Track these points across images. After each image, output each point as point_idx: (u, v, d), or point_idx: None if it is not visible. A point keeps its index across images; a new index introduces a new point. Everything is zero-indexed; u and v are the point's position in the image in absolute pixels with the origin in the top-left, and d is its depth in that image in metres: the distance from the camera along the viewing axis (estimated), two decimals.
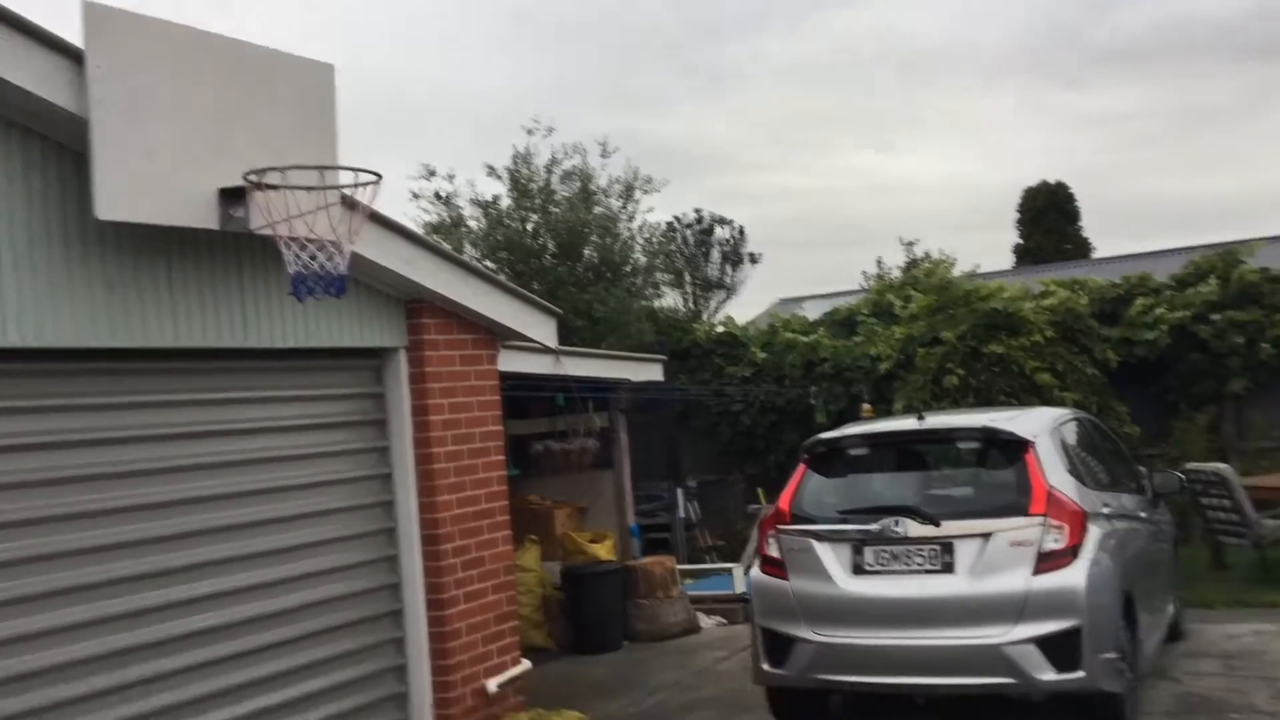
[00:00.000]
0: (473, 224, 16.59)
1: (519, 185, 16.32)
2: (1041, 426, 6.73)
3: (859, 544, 6.40)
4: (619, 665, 9.10)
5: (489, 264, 15.39)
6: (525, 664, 7.02)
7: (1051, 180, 29.83)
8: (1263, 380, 12.70)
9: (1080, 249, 28.40)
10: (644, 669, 8.86)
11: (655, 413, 13.90)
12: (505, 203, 16.43)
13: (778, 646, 6.55)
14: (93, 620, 4.82)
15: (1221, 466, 10.07)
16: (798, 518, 6.71)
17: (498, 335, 7.09)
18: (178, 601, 5.15)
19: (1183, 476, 8.42)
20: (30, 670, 4.59)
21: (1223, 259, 13.42)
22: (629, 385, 10.68)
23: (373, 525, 6.25)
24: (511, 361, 7.77)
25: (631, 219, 16.58)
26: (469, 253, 15.46)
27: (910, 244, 22.30)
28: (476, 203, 16.48)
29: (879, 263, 22.07)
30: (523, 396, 8.98)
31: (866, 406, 13.29)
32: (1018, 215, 30.09)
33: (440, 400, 6.48)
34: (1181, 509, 11.26)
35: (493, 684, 6.59)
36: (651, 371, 10.82)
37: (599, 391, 10.42)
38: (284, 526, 5.71)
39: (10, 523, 4.61)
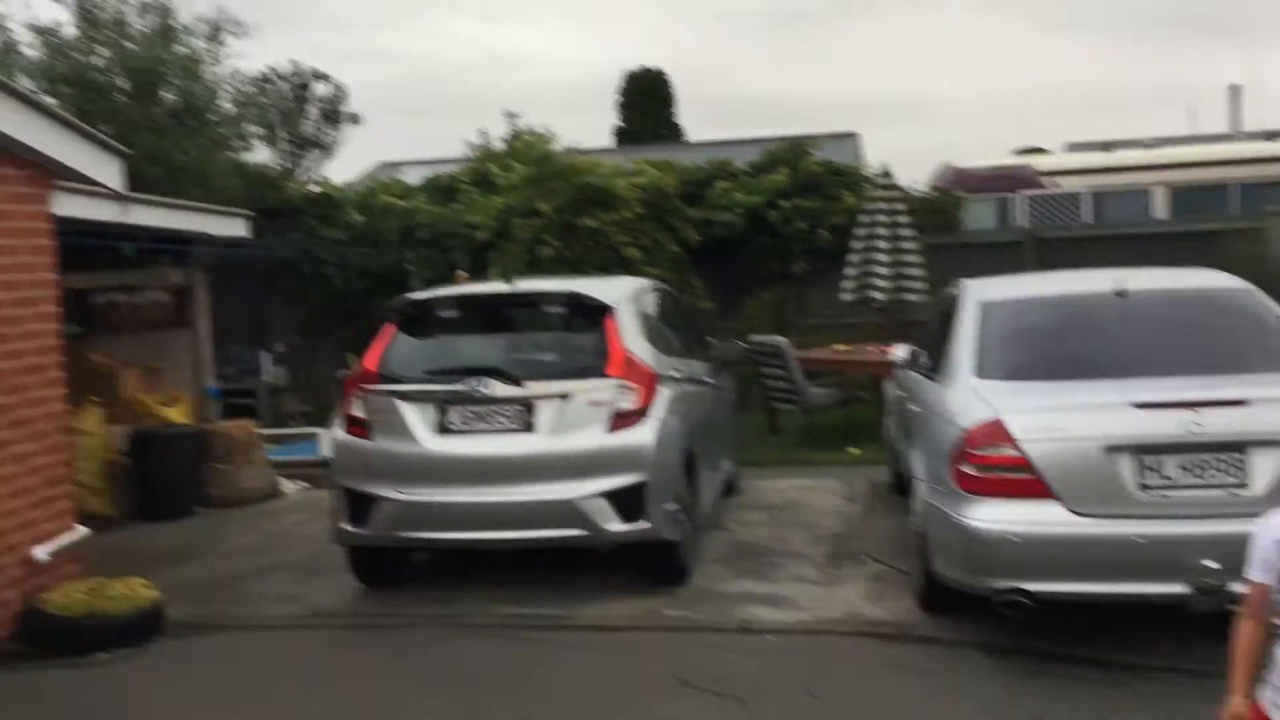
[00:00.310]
0: (29, 52, 14.69)
1: (86, 14, 14.60)
2: (623, 295, 7.04)
3: (444, 404, 6.46)
4: (192, 531, 8.71)
5: (50, 99, 13.73)
6: (82, 531, 6.54)
7: (651, 66, 30.79)
8: (820, 264, 13.97)
9: (674, 133, 29.65)
10: (219, 534, 8.54)
11: (240, 272, 13.16)
12: (70, 32, 14.66)
13: (360, 506, 6.51)
14: None
15: (779, 339, 11.02)
16: (383, 378, 6.66)
17: (53, 174, 6.36)
18: None
19: (745, 346, 9.16)
20: None
21: (792, 150, 14.52)
22: (210, 240, 10.02)
23: None
24: (71, 206, 7.04)
25: (218, 63, 15.35)
26: (24, 84, 13.69)
27: (514, 117, 22.27)
28: (34, 29, 14.59)
29: (482, 133, 21.88)
30: (85, 246, 8.18)
31: (461, 273, 13.31)
32: (619, 98, 30.87)
33: None
34: (745, 379, 12.28)
35: (42, 552, 6.08)
36: (235, 227, 10.21)
37: (176, 245, 9.69)
38: None
39: None
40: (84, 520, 6.75)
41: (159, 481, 9.13)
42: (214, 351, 10.64)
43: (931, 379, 6.39)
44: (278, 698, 5.27)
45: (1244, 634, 3.01)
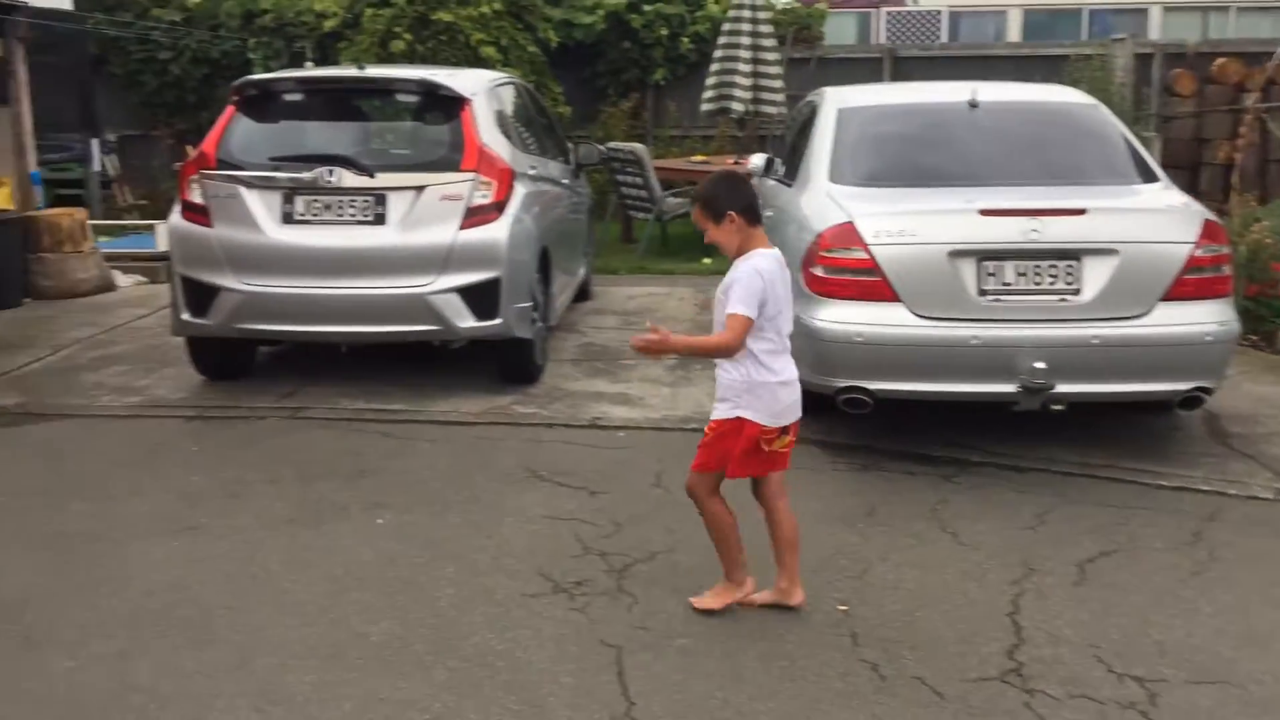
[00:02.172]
0: None
1: None
2: (480, 86, 6.80)
3: (290, 192, 6.21)
4: (18, 322, 8.30)
5: None
6: None
7: None
8: (680, 73, 13.77)
9: None
10: (48, 326, 8.17)
11: (65, 53, 12.23)
12: None
13: (200, 296, 6.30)
14: None
15: (636, 146, 10.91)
16: (224, 163, 6.35)
17: None
18: None
19: (603, 149, 9.03)
20: None
21: None
22: (29, 11, 9.23)
23: None
24: None
25: None
26: None
27: None
28: None
29: None
30: None
31: (310, 65, 12.68)
32: None
33: None
34: (601, 188, 12.18)
35: None
36: None
37: None
38: None
39: None
40: None
41: None
42: (38, 136, 9.92)
43: (787, 185, 6.42)
44: (117, 480, 5.16)
45: (714, 347, 3.72)
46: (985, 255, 5.11)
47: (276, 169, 6.27)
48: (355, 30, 13.13)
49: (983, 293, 5.12)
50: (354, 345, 6.84)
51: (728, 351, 3.69)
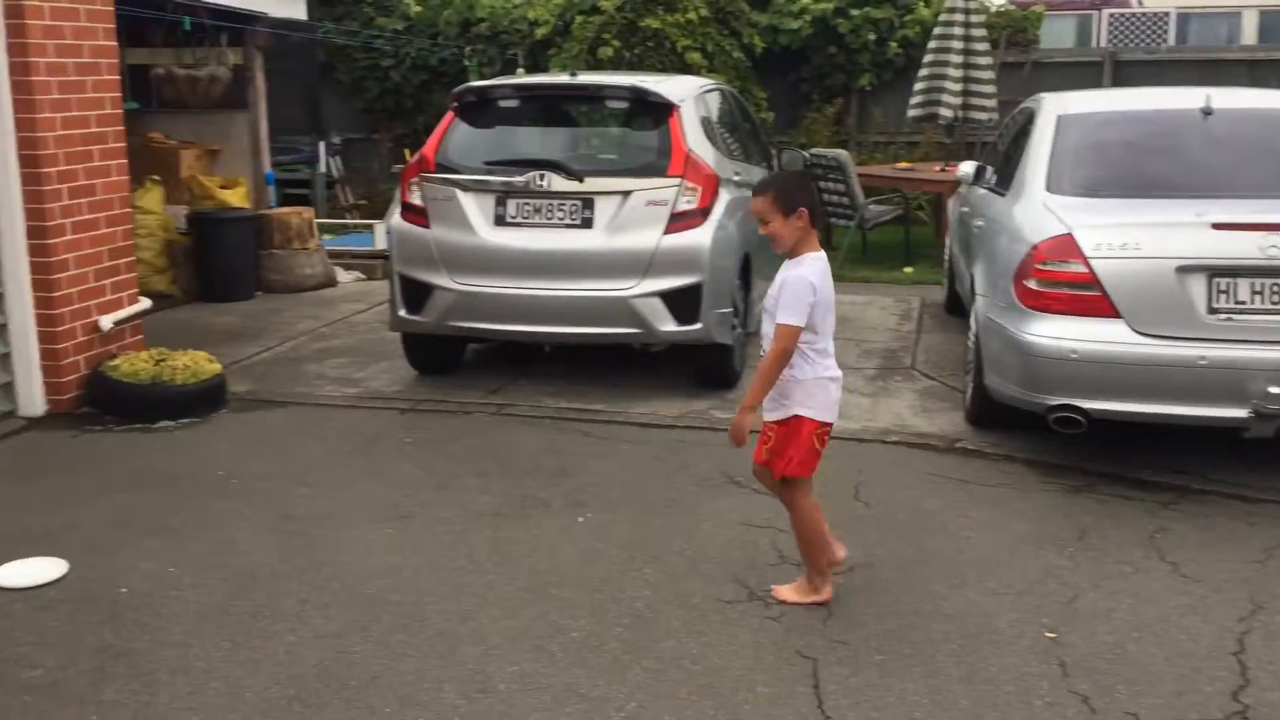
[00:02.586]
0: None
1: None
2: (687, 92, 6.86)
3: (502, 195, 6.41)
4: (250, 314, 8.85)
5: None
6: (144, 302, 6.66)
7: None
8: (887, 78, 13.54)
9: None
10: (277, 318, 8.68)
11: (297, 60, 12.99)
12: None
13: (416, 294, 6.57)
14: None
15: (840, 152, 10.78)
16: (442, 166, 6.60)
17: None
18: None
19: (807, 155, 8.97)
20: None
21: None
22: (268, 21, 9.83)
23: None
24: None
25: None
26: None
27: None
28: None
29: None
30: (140, 18, 8.07)
31: (521, 71, 13.07)
32: None
33: (39, 3, 5.67)
34: None
35: (107, 320, 6.21)
36: (293, 8, 9.98)
37: (232, 22, 9.52)
38: None
39: None
40: (148, 298, 6.86)
41: (219, 264, 9.24)
42: (271, 139, 10.57)
43: (999, 194, 6.23)
44: (337, 468, 5.44)
45: (775, 366, 3.74)
46: (1217, 271, 4.83)
47: (491, 173, 6.49)
48: (565, 37, 13.46)
49: (1213, 311, 4.85)
50: (557, 345, 7.01)
51: (785, 359, 3.75)
